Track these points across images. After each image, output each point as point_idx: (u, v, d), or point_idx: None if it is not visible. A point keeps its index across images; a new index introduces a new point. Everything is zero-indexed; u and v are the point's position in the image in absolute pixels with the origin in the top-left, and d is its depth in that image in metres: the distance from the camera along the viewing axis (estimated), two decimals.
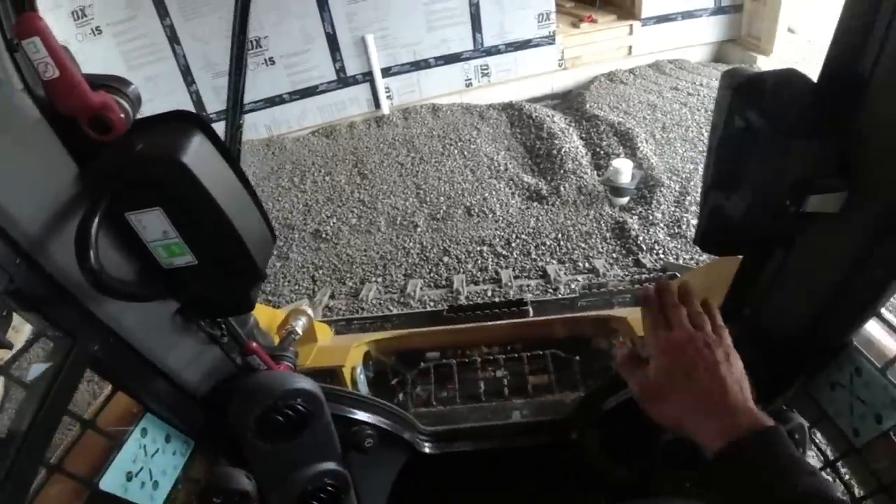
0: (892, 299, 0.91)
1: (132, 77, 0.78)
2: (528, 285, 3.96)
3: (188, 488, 1.05)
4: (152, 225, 0.79)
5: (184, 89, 6.16)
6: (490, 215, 4.77)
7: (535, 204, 4.83)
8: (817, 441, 1.18)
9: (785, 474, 0.67)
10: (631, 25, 7.05)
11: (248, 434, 1.08)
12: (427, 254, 4.45)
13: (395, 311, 3.74)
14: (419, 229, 4.74)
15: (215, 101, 6.25)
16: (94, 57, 5.55)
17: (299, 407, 1.12)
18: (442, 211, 4.89)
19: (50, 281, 0.73)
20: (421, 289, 4.08)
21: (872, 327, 1.01)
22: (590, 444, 1.42)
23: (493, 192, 5.03)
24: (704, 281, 1.92)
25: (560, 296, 3.59)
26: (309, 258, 4.58)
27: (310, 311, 1.80)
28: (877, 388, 0.95)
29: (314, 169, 5.82)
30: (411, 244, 4.57)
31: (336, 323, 2.42)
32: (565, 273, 4.03)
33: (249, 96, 6.08)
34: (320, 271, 4.44)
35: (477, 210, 4.83)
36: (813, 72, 0.81)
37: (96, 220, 0.70)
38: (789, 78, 0.80)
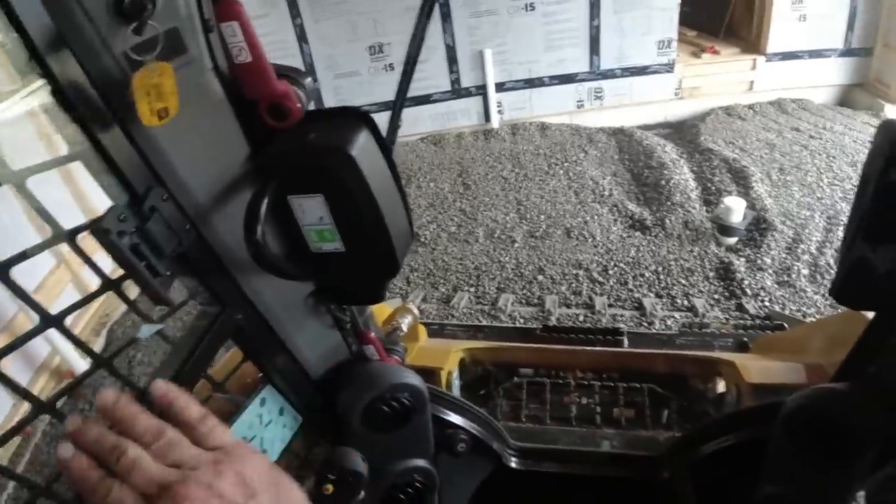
0: None
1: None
2: (621, 315, 3.92)
3: (289, 460, 1.12)
4: (311, 210, 0.83)
5: None
6: (589, 239, 4.75)
7: (638, 233, 4.77)
8: None
9: None
10: (754, 60, 6.80)
11: (353, 419, 1.12)
12: (522, 270, 4.49)
13: (485, 323, 3.80)
14: (516, 245, 4.79)
15: (333, 100, 6.56)
16: None
17: (405, 401, 1.14)
18: (541, 229, 4.93)
19: (210, 251, 0.79)
20: (512, 304, 4.13)
21: None
22: (682, 487, 1.40)
23: (595, 217, 5.01)
24: (822, 335, 1.88)
25: (655, 330, 3.55)
26: (406, 259, 4.72)
27: (416, 311, 1.83)
28: None
29: (420, 174, 6.01)
30: (507, 259, 4.63)
31: (430, 326, 2.43)
32: (662, 308, 3.96)
33: (367, 98, 6.41)
34: (415, 274, 4.59)
35: (577, 233, 4.83)
36: None
37: (266, 199, 0.75)
38: None
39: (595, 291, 4.21)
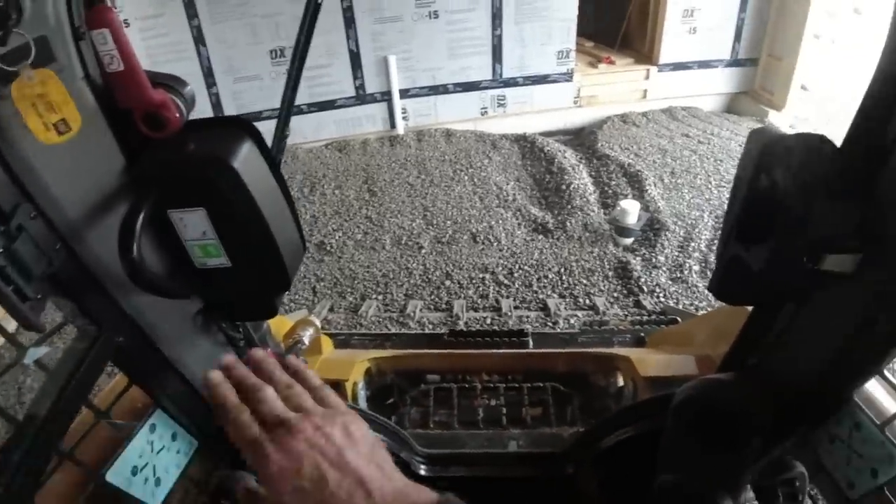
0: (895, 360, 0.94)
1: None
2: (527, 316, 3.98)
3: (186, 487, 1.05)
4: (193, 224, 0.80)
5: (204, 91, 6.23)
6: (495, 244, 4.81)
7: (541, 237, 4.88)
8: (812, 493, 1.21)
9: None
10: (648, 70, 7.18)
11: None
12: (429, 276, 4.47)
13: (394, 330, 3.75)
14: (423, 251, 4.77)
15: (232, 106, 6.33)
16: None
17: None
18: (448, 235, 4.94)
19: (85, 269, 0.74)
20: (420, 310, 4.09)
21: (873, 385, 1.04)
22: (586, 481, 1.42)
23: (500, 221, 5.08)
24: (707, 327, 1.98)
25: (559, 330, 3.62)
26: (311, 269, 4.60)
27: (317, 323, 1.78)
28: (874, 443, 0.98)
29: (325, 181, 5.88)
30: (414, 265, 4.60)
31: (336, 337, 2.41)
32: (565, 308, 4.05)
33: (268, 104, 6.23)
34: (321, 283, 4.46)
35: (482, 237, 4.87)
36: (824, 127, 0.86)
37: (143, 214, 0.71)
38: (815, 142, 0.84)
39: (501, 294, 4.25)
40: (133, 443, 0.92)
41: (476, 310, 4.11)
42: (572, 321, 3.83)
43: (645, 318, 3.56)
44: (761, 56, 7.10)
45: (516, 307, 4.09)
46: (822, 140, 0.84)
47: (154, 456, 0.97)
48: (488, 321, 3.92)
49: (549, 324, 3.87)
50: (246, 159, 0.78)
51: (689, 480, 1.22)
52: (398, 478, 0.64)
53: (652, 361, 1.89)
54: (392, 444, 1.43)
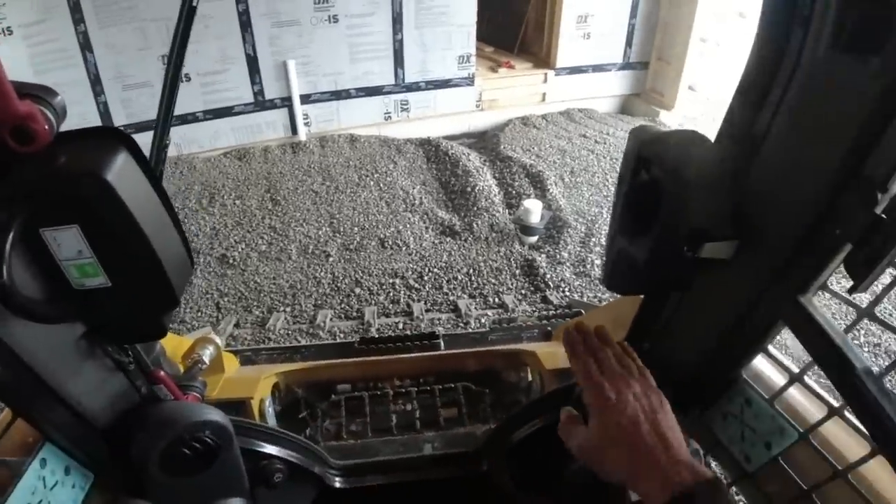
0: (778, 336, 1.00)
1: (38, 82, 0.75)
2: (439, 319, 4.00)
3: None
4: (67, 243, 0.75)
5: (91, 99, 5.81)
6: (404, 248, 4.79)
7: (449, 239, 4.92)
8: (713, 467, 1.26)
9: None
10: (545, 74, 7.42)
11: (151, 467, 1.03)
12: (339, 284, 4.40)
13: (304, 342, 3.65)
14: (331, 259, 4.69)
15: (122, 115, 5.94)
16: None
17: (207, 440, 1.07)
18: (355, 242, 4.87)
19: None
20: (331, 320, 4.02)
21: (760, 362, 1.11)
22: (499, 476, 1.44)
23: (408, 226, 5.07)
24: (608, 318, 2.02)
25: (471, 330, 3.66)
26: (214, 284, 4.40)
27: (218, 340, 1.73)
28: (765, 417, 1.04)
29: (224, 192, 5.64)
30: (323, 274, 4.51)
31: (242, 353, 2.31)
32: (476, 308, 4.11)
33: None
34: (226, 298, 4.28)
35: (391, 242, 4.85)
36: (710, 125, 0.92)
37: (11, 235, 0.67)
38: (690, 138, 0.89)
39: (412, 298, 4.25)
40: (23, 480, 0.86)
41: (388, 315, 4.08)
42: (483, 320, 3.89)
43: (552, 312, 3.67)
44: (651, 59, 7.54)
45: (428, 310, 4.11)
46: (696, 135, 0.89)
47: (48, 492, 0.90)
48: (400, 326, 3.92)
49: (461, 324, 3.91)
50: (121, 172, 0.74)
51: None
52: (685, 450, 0.80)
53: (557, 354, 1.92)
54: (304, 460, 1.40)
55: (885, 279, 0.78)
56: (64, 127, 0.74)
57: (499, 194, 5.48)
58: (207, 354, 1.64)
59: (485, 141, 6.86)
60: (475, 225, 4.99)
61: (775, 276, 0.88)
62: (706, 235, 0.87)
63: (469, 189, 5.47)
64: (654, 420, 0.83)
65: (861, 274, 0.74)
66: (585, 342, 0.96)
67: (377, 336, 2.42)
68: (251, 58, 6.19)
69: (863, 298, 0.83)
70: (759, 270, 0.90)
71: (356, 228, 5.05)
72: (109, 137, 0.78)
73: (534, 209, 4.75)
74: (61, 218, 0.73)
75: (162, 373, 1.09)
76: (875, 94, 0.68)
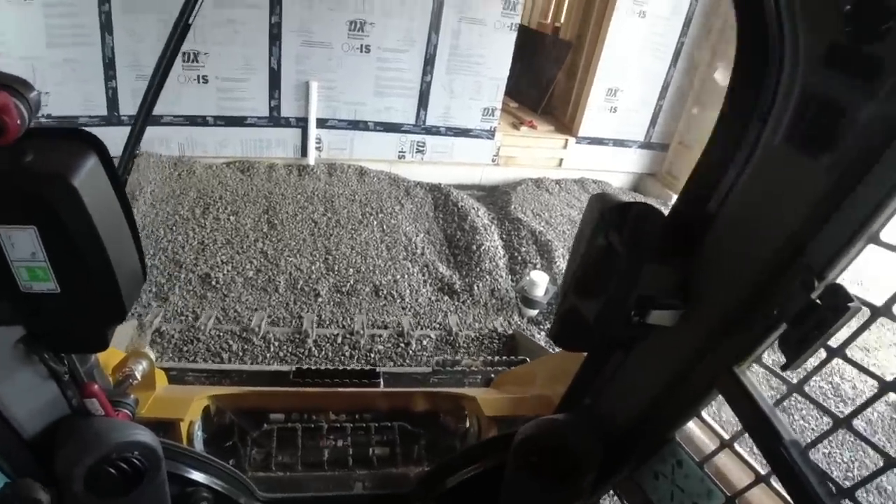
0: (711, 404, 1.09)
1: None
2: (380, 335, 4.08)
3: None
4: (21, 243, 0.75)
5: (102, 83, 5.52)
6: (398, 300, 4.53)
7: (447, 298, 4.67)
8: None
9: None
10: (566, 140, 7.34)
11: (75, 484, 1.01)
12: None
13: (235, 367, 3.45)
14: (320, 299, 4.41)
15: (131, 104, 5.67)
16: (11, 22, 4.91)
17: (135, 461, 1.06)
18: (349, 284, 4.60)
19: None
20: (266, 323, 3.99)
21: (694, 426, 1.20)
22: None
23: (406, 276, 4.82)
24: (550, 369, 2.09)
25: (412, 369, 3.59)
26: (191, 305, 4.10)
27: (152, 356, 1.69)
28: (695, 479, 1.10)
29: (220, 204, 5.35)
30: (308, 314, 4.22)
31: (170, 372, 2.28)
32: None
33: (171, 109, 5.68)
34: (199, 322, 3.97)
35: (386, 292, 4.58)
36: None
37: None
38: (648, 211, 0.95)
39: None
40: None
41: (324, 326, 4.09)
42: (425, 342, 4.01)
43: (496, 359, 3.58)
44: (672, 142, 7.49)
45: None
46: (652, 208, 0.96)
47: None
48: (339, 339, 3.93)
49: (402, 344, 4.00)
50: (88, 178, 0.73)
51: None
52: None
53: (496, 401, 1.98)
54: (231, 490, 1.39)
55: (815, 361, 0.84)
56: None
57: (504, 258, 5.26)
58: (140, 370, 1.63)
59: (495, 197, 6.68)
60: (476, 287, 4.76)
61: (713, 346, 0.96)
62: (653, 303, 0.94)
63: (475, 247, 5.23)
64: None
65: (794, 353, 0.77)
66: None
67: (314, 368, 2.37)
68: (274, 72, 6.00)
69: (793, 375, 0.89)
70: (699, 339, 0.97)
71: (352, 270, 4.78)
72: (81, 140, 0.77)
73: (540, 282, 4.54)
74: (19, 217, 0.72)
75: (96, 386, 1.09)
76: (824, 187, 0.73)
